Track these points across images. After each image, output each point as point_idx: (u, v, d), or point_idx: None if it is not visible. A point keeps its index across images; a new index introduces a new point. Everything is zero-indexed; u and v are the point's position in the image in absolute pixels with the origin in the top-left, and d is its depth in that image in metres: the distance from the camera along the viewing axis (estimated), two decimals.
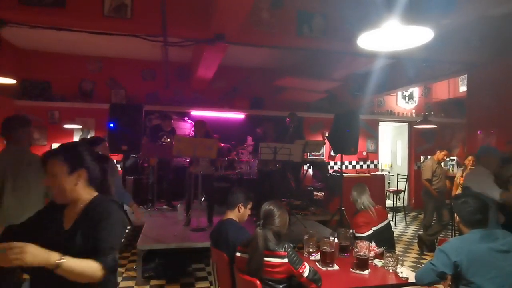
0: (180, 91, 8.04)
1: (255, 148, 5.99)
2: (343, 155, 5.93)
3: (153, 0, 4.07)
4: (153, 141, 6.23)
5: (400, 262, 2.62)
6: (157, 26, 4.21)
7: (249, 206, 2.84)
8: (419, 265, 4.90)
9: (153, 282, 4.25)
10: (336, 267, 2.62)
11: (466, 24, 4.73)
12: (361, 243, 2.63)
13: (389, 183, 9.17)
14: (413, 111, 9.58)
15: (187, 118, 7.86)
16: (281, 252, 2.16)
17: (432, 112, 9.28)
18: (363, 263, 2.56)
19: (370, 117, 9.09)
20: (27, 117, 2.72)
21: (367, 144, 9.25)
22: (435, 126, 7.97)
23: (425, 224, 5.81)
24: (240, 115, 8.37)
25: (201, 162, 4.97)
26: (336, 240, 2.89)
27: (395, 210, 8.13)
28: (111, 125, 5.04)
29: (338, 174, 6.56)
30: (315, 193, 7.36)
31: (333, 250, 2.65)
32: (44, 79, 7.43)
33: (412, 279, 2.41)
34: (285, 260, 2.14)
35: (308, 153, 7.82)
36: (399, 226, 7.47)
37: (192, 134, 7.58)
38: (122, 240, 3.29)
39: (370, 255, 2.69)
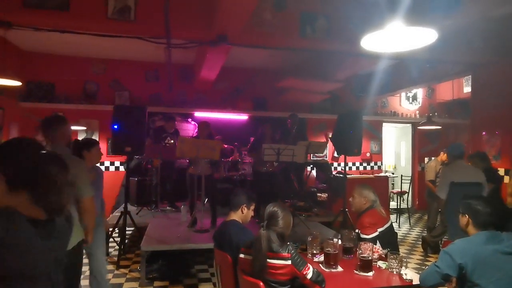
0: (184, 93, 8.06)
1: (251, 148, 5.98)
2: (347, 156, 5.92)
3: (156, 2, 4.08)
4: (157, 143, 6.25)
5: (404, 264, 2.61)
6: (161, 28, 4.22)
7: (252, 208, 2.84)
8: (423, 267, 4.87)
9: (157, 283, 4.26)
10: (339, 268, 2.62)
11: (469, 24, 4.71)
12: (365, 244, 2.62)
13: (393, 184, 9.14)
14: (417, 112, 9.54)
15: (190, 120, 7.89)
16: (285, 253, 2.16)
17: (436, 113, 9.24)
18: (367, 264, 2.55)
19: (373, 118, 9.07)
20: (63, 116, 2.77)
21: (370, 145, 9.22)
22: (439, 127, 7.94)
23: (429, 226, 5.79)
24: (243, 116, 8.38)
25: (201, 163, 4.97)
26: (339, 242, 2.89)
27: (399, 211, 8.10)
28: (115, 126, 5.06)
29: (341, 175, 6.55)
30: (318, 194, 7.35)
31: (337, 252, 2.65)
32: (49, 81, 7.47)
33: (416, 281, 2.40)
34: (289, 262, 2.14)
35: (312, 154, 7.81)
36: (403, 228, 7.44)
37: (195, 135, 7.60)
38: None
39: (374, 256, 2.68)
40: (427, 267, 2.38)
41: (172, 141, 6.24)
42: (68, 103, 7.39)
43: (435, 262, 2.21)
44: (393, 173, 9.28)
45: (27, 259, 1.20)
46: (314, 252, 2.90)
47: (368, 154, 9.13)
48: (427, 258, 5.37)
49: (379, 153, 9.38)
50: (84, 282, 3.49)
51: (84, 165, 2.77)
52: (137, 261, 4.84)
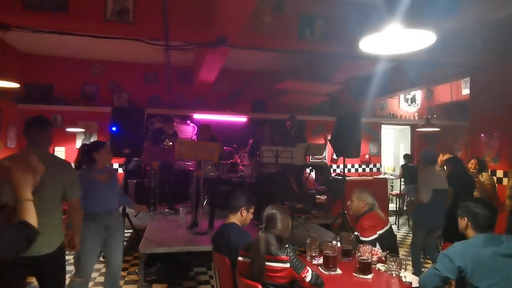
0: (183, 94, 8.06)
1: (251, 151, 5.98)
2: (346, 158, 5.91)
3: (155, 4, 4.08)
4: (155, 144, 6.24)
5: (404, 267, 2.60)
6: (159, 30, 4.22)
7: (251, 210, 2.83)
8: (422, 270, 4.86)
9: (155, 286, 4.24)
10: (338, 271, 2.61)
11: (468, 26, 4.71)
12: (364, 247, 2.61)
13: (392, 186, 9.14)
14: (416, 114, 9.56)
15: (189, 121, 7.88)
16: (283, 256, 2.15)
17: (434, 115, 9.25)
18: (366, 267, 2.55)
19: (372, 120, 9.08)
20: (46, 118, 2.71)
21: (369, 147, 9.23)
22: (438, 129, 7.95)
23: None
24: (242, 118, 8.37)
25: (205, 165, 4.96)
26: (338, 244, 2.88)
27: (398, 213, 8.09)
28: (113, 128, 5.05)
29: (340, 177, 6.54)
30: (317, 196, 7.33)
31: (336, 254, 2.64)
32: (47, 83, 7.47)
33: (415, 283, 2.39)
34: (287, 265, 2.13)
35: (310, 156, 7.81)
36: (402, 230, 7.43)
37: (194, 137, 7.59)
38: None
39: (373, 259, 2.67)
40: (426, 269, 2.37)
41: (170, 143, 6.23)
42: (66, 105, 7.39)
43: (435, 264, 2.21)
44: (392, 175, 9.29)
45: None
46: (313, 254, 2.89)
47: (367, 156, 9.13)
48: (427, 261, 5.36)
49: (378, 155, 9.39)
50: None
51: (71, 166, 2.76)
52: (136, 263, 4.82)
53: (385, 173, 9.36)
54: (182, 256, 4.77)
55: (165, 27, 4.12)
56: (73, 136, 7.50)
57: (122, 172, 7.25)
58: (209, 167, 5.07)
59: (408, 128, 9.65)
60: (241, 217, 2.77)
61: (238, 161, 6.92)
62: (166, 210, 6.43)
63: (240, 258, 2.33)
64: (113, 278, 3.37)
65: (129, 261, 5.07)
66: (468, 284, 2.09)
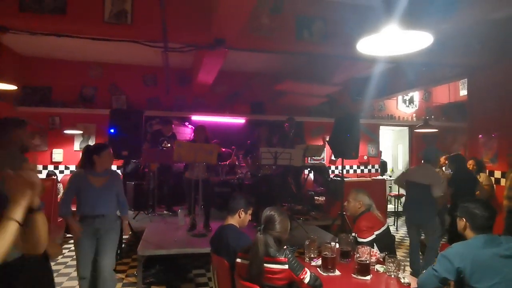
0: (181, 96, 8.05)
1: (246, 152, 5.98)
2: (344, 160, 5.92)
3: (153, 6, 4.09)
4: (154, 146, 6.23)
5: (402, 268, 2.60)
6: (158, 32, 4.22)
7: (249, 212, 2.83)
8: (421, 271, 4.86)
9: None
10: (337, 272, 2.60)
11: (466, 27, 4.74)
12: (363, 248, 2.61)
13: (390, 187, 9.14)
14: (414, 115, 9.57)
15: (187, 123, 7.87)
16: (282, 258, 2.14)
17: (432, 116, 9.26)
18: (364, 268, 2.54)
19: (370, 121, 9.09)
20: (18, 119, 2.57)
21: (368, 149, 9.24)
22: (436, 130, 7.96)
23: None
24: (240, 120, 8.37)
25: (197, 167, 4.96)
26: (337, 246, 2.88)
27: (397, 214, 8.09)
28: (112, 130, 5.04)
29: (339, 178, 6.54)
30: (316, 197, 7.34)
31: (334, 256, 2.63)
32: (45, 85, 7.45)
33: (414, 284, 2.39)
34: (286, 267, 2.13)
35: (309, 158, 7.81)
36: (401, 231, 7.43)
37: (192, 139, 7.59)
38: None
39: (372, 260, 2.67)
40: (425, 270, 2.37)
41: (169, 145, 6.22)
42: (65, 107, 7.37)
43: (433, 265, 2.21)
44: (390, 176, 9.29)
45: None
46: (312, 256, 2.88)
47: (365, 157, 9.14)
48: None
49: (377, 156, 9.39)
50: None
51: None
52: (134, 265, 4.81)
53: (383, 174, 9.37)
54: (181, 258, 4.76)
55: (163, 29, 4.13)
56: (71, 138, 7.49)
57: (121, 174, 7.24)
58: (200, 168, 5.06)
59: (406, 129, 9.67)
60: (239, 218, 2.76)
61: (237, 163, 6.92)
62: (165, 212, 6.42)
63: (238, 260, 2.33)
64: (102, 284, 3.27)
65: (128, 263, 5.06)
66: (467, 285, 2.09)
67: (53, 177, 6.52)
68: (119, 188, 3.49)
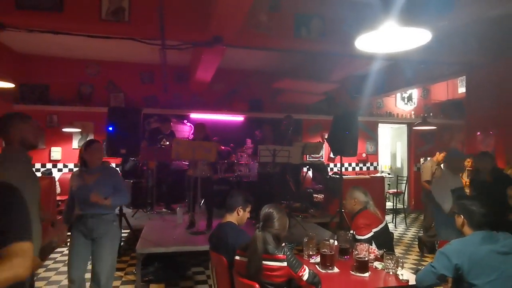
0: (179, 94, 8.04)
1: (255, 151, 5.98)
2: (343, 157, 5.93)
3: (151, 3, 4.07)
4: (152, 144, 6.22)
5: (400, 265, 2.60)
6: (155, 29, 4.21)
7: (248, 209, 2.82)
8: (419, 267, 4.88)
9: (153, 286, 4.24)
10: (336, 269, 2.61)
11: (464, 25, 4.73)
12: (361, 245, 2.62)
13: (389, 184, 9.16)
14: (412, 112, 9.58)
15: (186, 121, 7.86)
16: (280, 255, 2.15)
17: (431, 114, 9.28)
18: (363, 265, 2.55)
19: (369, 119, 9.09)
20: (19, 113, 2.49)
21: (366, 146, 9.25)
22: (434, 127, 7.97)
23: (425, 226, 5.80)
24: (239, 118, 8.37)
25: (200, 165, 4.95)
26: (336, 243, 2.88)
27: (395, 211, 8.11)
28: (110, 128, 5.03)
29: (337, 176, 6.54)
30: (314, 195, 7.34)
31: (333, 253, 2.64)
32: (43, 83, 7.42)
33: (412, 281, 2.40)
34: (284, 264, 2.13)
35: (308, 155, 7.81)
36: (399, 228, 7.46)
37: (191, 136, 7.58)
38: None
39: (370, 257, 2.68)
40: (423, 267, 2.38)
41: (167, 143, 6.21)
42: (62, 105, 7.35)
43: (431, 262, 2.21)
44: (389, 174, 9.31)
45: None
46: (311, 253, 2.89)
47: (364, 155, 9.15)
48: (423, 258, 5.39)
49: (375, 153, 9.41)
50: None
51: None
52: (133, 263, 4.81)
53: (382, 172, 9.38)
54: (180, 256, 4.76)
55: (161, 26, 4.11)
56: (69, 136, 7.47)
57: (119, 172, 7.22)
58: (203, 166, 5.05)
59: (404, 126, 9.68)
60: (237, 216, 2.76)
61: (235, 160, 6.92)
62: (163, 210, 6.42)
63: (237, 258, 2.33)
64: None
65: (127, 261, 5.06)
66: (464, 282, 2.10)
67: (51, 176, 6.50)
68: (117, 183, 3.25)
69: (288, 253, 2.17)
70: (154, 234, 4.79)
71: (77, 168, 3.35)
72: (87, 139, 7.40)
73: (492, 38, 5.31)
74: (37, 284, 4.10)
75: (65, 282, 4.35)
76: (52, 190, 5.40)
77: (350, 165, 9.11)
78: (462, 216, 2.29)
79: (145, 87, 7.97)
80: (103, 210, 3.13)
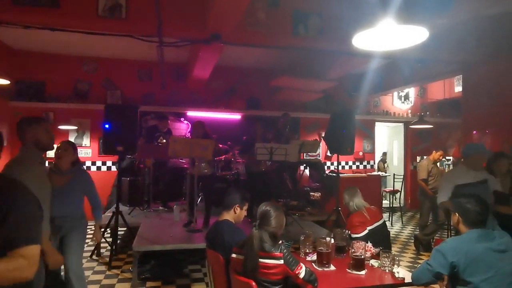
0: (177, 92, 8.01)
1: (242, 150, 5.97)
2: (340, 155, 5.93)
3: (148, 0, 4.05)
4: (150, 142, 6.20)
5: (397, 262, 2.61)
6: (153, 26, 4.19)
7: (245, 207, 2.82)
8: (415, 265, 4.90)
9: (149, 284, 4.23)
10: (332, 267, 2.61)
11: (461, 23, 4.74)
12: (357, 243, 2.62)
13: (385, 183, 9.19)
14: (409, 111, 9.61)
15: (183, 119, 7.84)
16: (277, 253, 2.15)
17: (428, 112, 9.31)
18: (359, 263, 2.56)
19: (366, 117, 9.11)
20: (33, 117, 2.57)
21: (363, 144, 9.27)
22: (431, 126, 8.00)
23: (421, 224, 5.83)
24: (236, 116, 8.36)
25: (200, 163, 4.95)
26: (332, 241, 2.89)
27: (392, 210, 8.14)
28: (107, 126, 5.00)
29: (334, 174, 6.56)
30: (311, 193, 7.35)
31: (330, 251, 2.64)
32: (39, 80, 7.38)
33: (408, 279, 2.41)
34: (281, 262, 2.13)
35: (305, 154, 7.82)
36: (396, 226, 7.48)
37: (188, 134, 7.56)
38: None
39: (367, 255, 2.68)
40: (419, 265, 2.38)
41: (164, 141, 6.19)
42: (59, 102, 7.31)
43: (427, 260, 2.22)
44: (385, 172, 9.34)
45: None
46: (307, 251, 2.89)
47: (360, 153, 9.17)
48: (419, 256, 5.41)
49: (372, 152, 9.43)
50: None
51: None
52: (129, 261, 4.80)
53: (378, 170, 9.41)
54: (176, 253, 4.76)
55: (158, 23, 4.09)
56: (66, 134, 7.42)
57: (116, 170, 7.20)
58: (203, 164, 5.05)
59: (401, 125, 9.70)
60: (234, 214, 2.76)
61: (233, 158, 6.91)
62: (160, 207, 6.41)
63: (233, 255, 2.33)
64: (71, 284, 3.08)
65: (123, 259, 5.05)
66: (460, 280, 2.11)
67: None
68: (88, 189, 3.31)
69: (285, 251, 2.17)
70: (150, 232, 4.78)
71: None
72: (84, 136, 7.42)
73: (489, 37, 5.33)
74: None
75: None
76: None
77: (347, 163, 9.13)
78: (457, 214, 2.30)
79: (142, 85, 7.93)
80: (72, 213, 3.15)
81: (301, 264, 2.18)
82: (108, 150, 5.15)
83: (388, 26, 2.30)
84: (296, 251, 2.98)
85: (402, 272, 2.51)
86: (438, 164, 6.00)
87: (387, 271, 2.56)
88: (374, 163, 9.48)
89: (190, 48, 5.96)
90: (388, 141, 10.53)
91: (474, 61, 5.79)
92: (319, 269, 2.57)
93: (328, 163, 8.85)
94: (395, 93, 9.46)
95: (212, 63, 5.97)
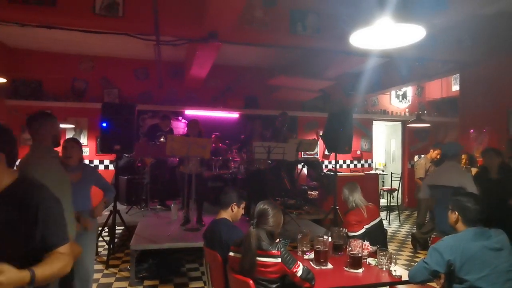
0: (174, 90, 7.99)
1: (240, 147, 5.98)
2: (337, 154, 5.94)
3: None
4: (151, 141, 6.19)
5: (394, 261, 2.62)
6: (149, 25, 4.17)
7: (242, 206, 2.82)
8: (412, 264, 4.92)
9: (147, 283, 4.22)
10: (329, 266, 2.62)
11: (458, 22, 4.75)
12: (355, 242, 2.63)
13: (383, 182, 9.21)
14: (407, 110, 9.62)
15: (181, 118, 7.83)
16: (274, 251, 2.15)
17: (425, 111, 9.33)
18: (356, 261, 2.56)
19: (364, 116, 9.12)
20: (48, 113, 2.60)
21: (361, 143, 9.28)
22: (429, 125, 8.02)
23: (419, 223, 5.85)
24: (234, 114, 8.35)
25: (191, 161, 4.94)
26: (329, 239, 2.89)
27: (389, 208, 8.16)
28: (104, 124, 4.99)
29: (332, 173, 6.57)
30: (309, 192, 7.37)
31: (327, 249, 2.65)
32: (36, 79, 7.34)
33: (405, 277, 2.42)
34: (278, 260, 2.13)
35: (302, 152, 7.82)
36: (393, 225, 7.51)
37: (185, 133, 7.55)
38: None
39: (364, 253, 2.69)
40: (416, 263, 2.39)
41: (162, 139, 6.18)
42: (56, 101, 7.27)
43: (424, 258, 2.23)
44: (383, 171, 9.36)
45: None
46: (305, 249, 2.90)
47: (358, 152, 9.18)
48: (417, 255, 5.43)
49: (370, 151, 9.44)
50: None
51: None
52: (127, 260, 4.79)
53: (376, 169, 9.42)
54: (174, 252, 4.76)
55: (155, 21, 4.07)
56: (63, 132, 7.39)
57: (113, 168, 7.18)
58: (194, 162, 5.04)
59: (399, 124, 9.72)
60: (232, 212, 2.76)
61: (230, 157, 6.91)
62: (158, 206, 6.40)
63: (231, 254, 2.33)
64: (83, 285, 3.12)
65: (121, 258, 5.04)
66: (457, 278, 2.12)
67: None
68: (98, 181, 3.40)
69: (282, 249, 2.17)
70: (148, 231, 4.78)
71: None
72: (81, 135, 7.39)
73: (486, 36, 5.34)
74: None
75: None
76: None
77: (344, 162, 9.14)
78: (456, 213, 2.31)
79: (139, 83, 7.91)
80: (84, 209, 3.14)
81: (299, 262, 2.18)
82: (106, 149, 5.13)
83: (385, 25, 2.30)
84: (294, 250, 2.98)
85: (399, 270, 2.52)
86: (435, 162, 6.02)
87: (384, 269, 2.57)
88: (372, 162, 9.50)
89: (187, 47, 5.94)
90: (386, 140, 10.56)
91: (471, 60, 5.80)
92: (317, 267, 2.58)
93: (326, 162, 8.85)
94: (393, 92, 9.47)
95: (210, 61, 5.95)
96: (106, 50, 7.24)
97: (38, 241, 1.38)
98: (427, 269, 2.17)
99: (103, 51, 7.32)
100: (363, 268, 2.57)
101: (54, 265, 1.37)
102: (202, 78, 7.02)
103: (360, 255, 2.58)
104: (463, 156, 5.58)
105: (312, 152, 8.26)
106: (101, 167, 7.63)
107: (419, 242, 5.59)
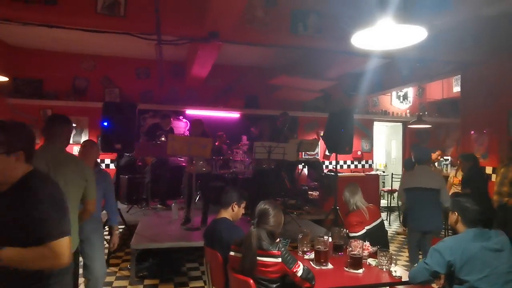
0: (175, 90, 7.99)
1: (250, 148, 5.98)
2: (338, 155, 5.94)
3: None
4: (151, 140, 6.19)
5: (394, 261, 2.62)
6: (151, 24, 4.17)
7: (242, 205, 2.83)
8: (412, 264, 4.91)
9: (147, 282, 4.23)
10: (330, 266, 2.62)
11: (460, 23, 4.74)
12: (355, 242, 2.63)
13: (383, 182, 9.20)
14: (408, 111, 9.61)
15: (182, 117, 7.83)
16: (275, 251, 2.15)
17: (426, 112, 9.31)
18: (357, 262, 2.56)
19: (364, 116, 9.11)
20: (66, 117, 2.64)
21: (361, 144, 9.27)
22: (429, 126, 8.01)
23: None
24: (235, 114, 8.35)
25: (198, 161, 4.94)
26: (330, 239, 2.89)
27: (389, 209, 8.16)
28: (105, 123, 4.99)
29: (332, 173, 6.57)
30: (310, 192, 7.37)
31: (327, 249, 2.65)
32: (37, 77, 7.34)
33: (405, 278, 2.42)
34: (279, 260, 2.13)
35: (303, 153, 7.82)
36: (393, 226, 7.50)
37: (187, 133, 7.56)
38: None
39: (364, 254, 2.69)
40: (416, 264, 2.39)
41: (163, 138, 6.18)
42: (57, 100, 7.28)
43: (425, 259, 2.23)
44: (383, 172, 9.35)
45: None
46: (305, 249, 2.90)
47: (359, 153, 9.18)
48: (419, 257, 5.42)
49: (370, 151, 9.44)
50: None
51: (86, 165, 2.67)
52: (127, 259, 4.79)
53: (376, 170, 9.42)
54: (174, 251, 4.76)
55: (157, 21, 4.07)
56: None
57: (114, 167, 7.19)
58: (201, 162, 5.05)
59: (400, 125, 9.71)
60: (232, 212, 2.76)
61: (231, 157, 6.91)
62: (158, 206, 6.40)
63: (231, 253, 2.33)
64: (93, 285, 3.15)
65: (121, 257, 5.04)
66: (457, 278, 2.12)
67: None
68: (107, 188, 3.37)
69: (283, 249, 2.17)
70: (149, 230, 4.78)
71: None
72: (82, 134, 7.39)
73: (488, 36, 5.33)
74: None
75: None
76: None
77: (345, 162, 9.14)
78: (456, 213, 2.31)
79: (140, 83, 7.91)
80: (94, 214, 3.08)
81: (299, 262, 2.19)
82: (107, 148, 5.14)
83: (386, 26, 2.30)
84: (294, 250, 2.99)
85: (400, 271, 2.52)
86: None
87: (384, 269, 2.57)
88: (373, 163, 9.49)
89: (188, 46, 5.94)
90: (386, 140, 10.55)
91: (472, 61, 5.79)
92: (317, 267, 2.58)
93: (327, 162, 8.85)
94: (394, 93, 9.46)
95: (211, 61, 5.96)
96: (107, 49, 7.25)
97: (40, 231, 1.44)
98: (427, 270, 2.17)
99: (105, 50, 7.33)
100: (363, 269, 2.57)
101: (29, 253, 1.42)
102: (203, 77, 7.02)
103: (360, 255, 2.58)
104: (437, 152, 5.62)
105: (313, 153, 8.26)
106: (102, 166, 7.63)
107: None
